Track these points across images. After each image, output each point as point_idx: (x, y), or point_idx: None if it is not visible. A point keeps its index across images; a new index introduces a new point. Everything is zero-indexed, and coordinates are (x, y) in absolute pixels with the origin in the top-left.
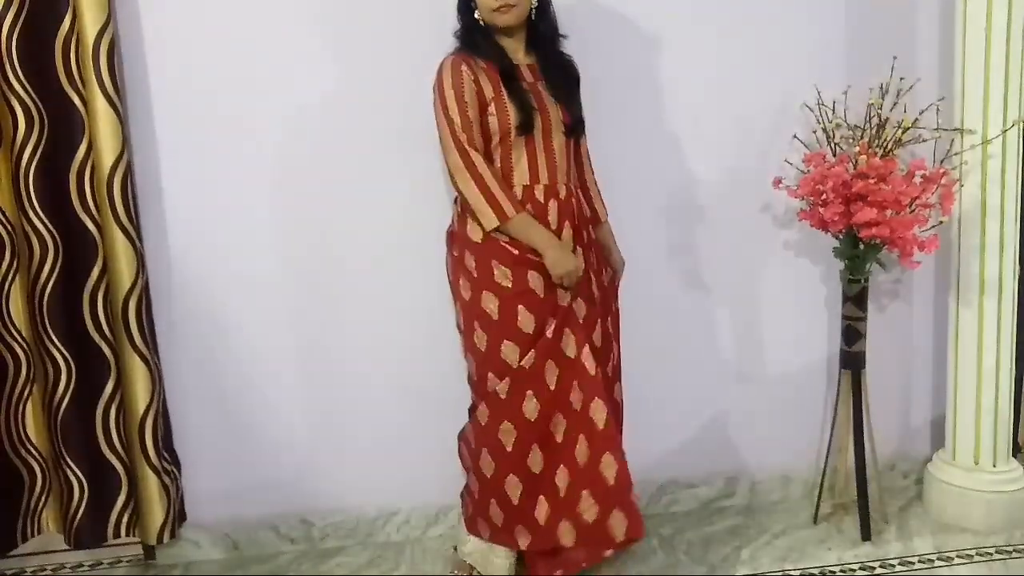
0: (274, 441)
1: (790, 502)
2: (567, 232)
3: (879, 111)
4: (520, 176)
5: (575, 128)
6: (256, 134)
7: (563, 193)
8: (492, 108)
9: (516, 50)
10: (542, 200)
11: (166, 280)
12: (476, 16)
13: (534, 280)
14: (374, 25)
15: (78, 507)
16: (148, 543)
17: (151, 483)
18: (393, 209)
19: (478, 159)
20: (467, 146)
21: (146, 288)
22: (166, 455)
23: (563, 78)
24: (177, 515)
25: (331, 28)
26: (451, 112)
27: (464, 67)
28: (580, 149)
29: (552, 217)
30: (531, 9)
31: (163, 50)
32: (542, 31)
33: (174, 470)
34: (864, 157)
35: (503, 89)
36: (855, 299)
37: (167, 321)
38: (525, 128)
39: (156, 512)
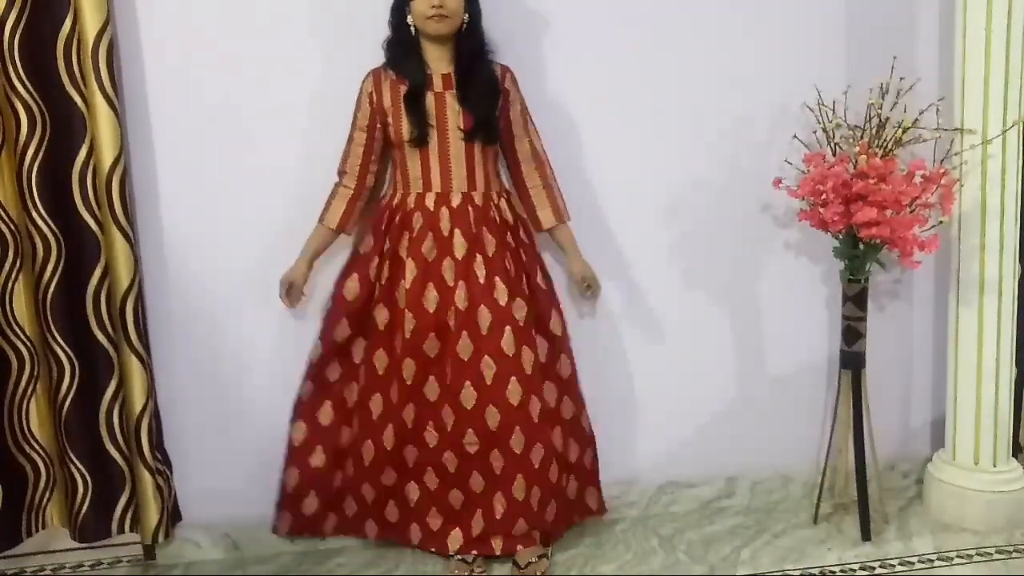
0: (274, 441)
1: (790, 502)
2: (458, 239)
3: (879, 111)
4: (415, 184)
5: (475, 133)
6: (253, 135)
7: (456, 201)
8: (390, 118)
9: (440, 59)
10: (432, 208)
11: (162, 280)
12: (408, 22)
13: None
14: (371, 25)
15: (82, 502)
16: (145, 542)
17: (147, 483)
18: None
19: (345, 176)
20: (341, 164)
21: (141, 288)
22: (158, 455)
23: (477, 87)
24: (171, 515)
25: (329, 29)
26: (352, 125)
27: (367, 81)
28: (515, 154)
29: (444, 224)
30: (462, 24)
31: (160, 51)
32: (468, 45)
33: (166, 470)
34: (864, 157)
35: (402, 103)
36: (855, 299)
37: (166, 322)
38: (418, 142)
39: (152, 511)
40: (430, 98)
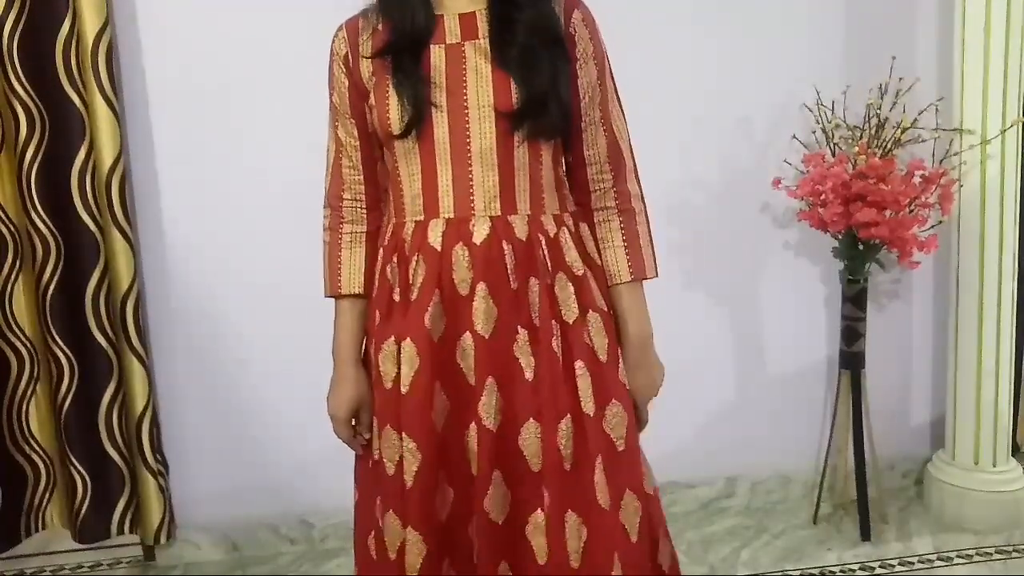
0: (274, 442)
1: (790, 502)
2: (481, 303)
3: (878, 111)
4: (411, 205)
5: (524, 114)
6: (254, 135)
7: (482, 232)
8: (373, 96)
9: None
10: (438, 246)
11: (163, 282)
12: None
13: None
14: None
15: (82, 503)
16: (147, 543)
17: (149, 484)
18: None
19: (344, 207)
20: (332, 190)
21: (141, 289)
22: (159, 456)
23: (524, 30)
24: (172, 516)
25: (330, 26)
26: (330, 125)
27: (338, 39)
28: (579, 152)
29: (459, 276)
30: None
31: (161, 52)
32: None
33: (165, 471)
34: (863, 157)
35: (389, 68)
36: (854, 299)
37: (166, 323)
38: (410, 128)
39: (154, 512)
40: (437, 53)
